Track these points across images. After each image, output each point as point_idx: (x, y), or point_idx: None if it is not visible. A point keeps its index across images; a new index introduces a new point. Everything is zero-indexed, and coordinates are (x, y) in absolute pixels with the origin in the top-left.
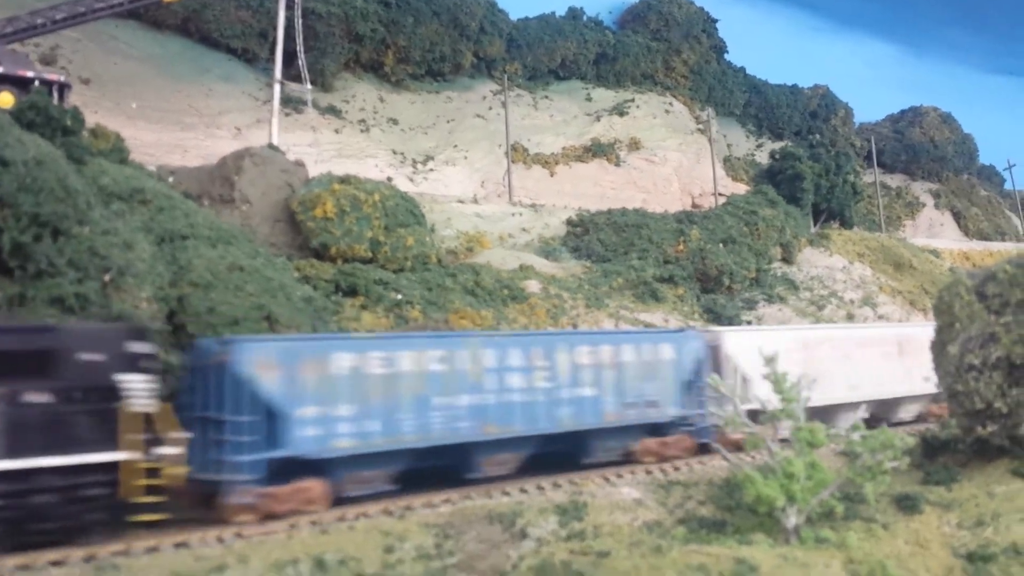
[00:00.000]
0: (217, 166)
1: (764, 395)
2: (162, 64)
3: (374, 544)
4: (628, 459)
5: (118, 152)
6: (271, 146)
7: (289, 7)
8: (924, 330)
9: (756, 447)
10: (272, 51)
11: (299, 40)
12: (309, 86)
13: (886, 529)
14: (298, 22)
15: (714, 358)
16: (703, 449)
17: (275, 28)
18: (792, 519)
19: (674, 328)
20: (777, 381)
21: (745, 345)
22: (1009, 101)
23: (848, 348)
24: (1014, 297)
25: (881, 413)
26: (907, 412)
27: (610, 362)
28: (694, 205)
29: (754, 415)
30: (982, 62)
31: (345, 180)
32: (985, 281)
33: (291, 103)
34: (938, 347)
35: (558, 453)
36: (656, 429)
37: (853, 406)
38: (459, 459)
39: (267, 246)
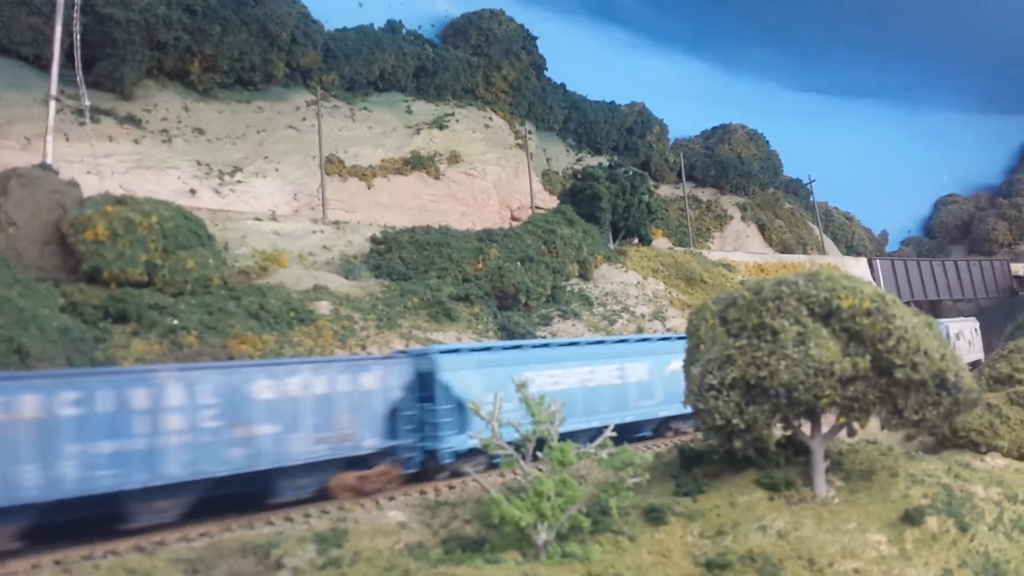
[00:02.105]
0: None
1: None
2: None
3: None
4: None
5: None
6: (43, 165)
7: (84, 13)
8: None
9: (510, 468)
10: (68, 58)
11: (77, 54)
12: (87, 102)
13: (632, 541)
14: (77, 37)
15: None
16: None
17: (66, 36)
18: (543, 535)
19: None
20: (528, 404)
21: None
22: (812, 116)
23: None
24: (750, 322)
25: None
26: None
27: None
28: (513, 218)
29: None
30: (787, 80)
31: (121, 201)
32: (728, 306)
33: (82, 112)
34: (687, 367)
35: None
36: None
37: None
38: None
39: (35, 270)
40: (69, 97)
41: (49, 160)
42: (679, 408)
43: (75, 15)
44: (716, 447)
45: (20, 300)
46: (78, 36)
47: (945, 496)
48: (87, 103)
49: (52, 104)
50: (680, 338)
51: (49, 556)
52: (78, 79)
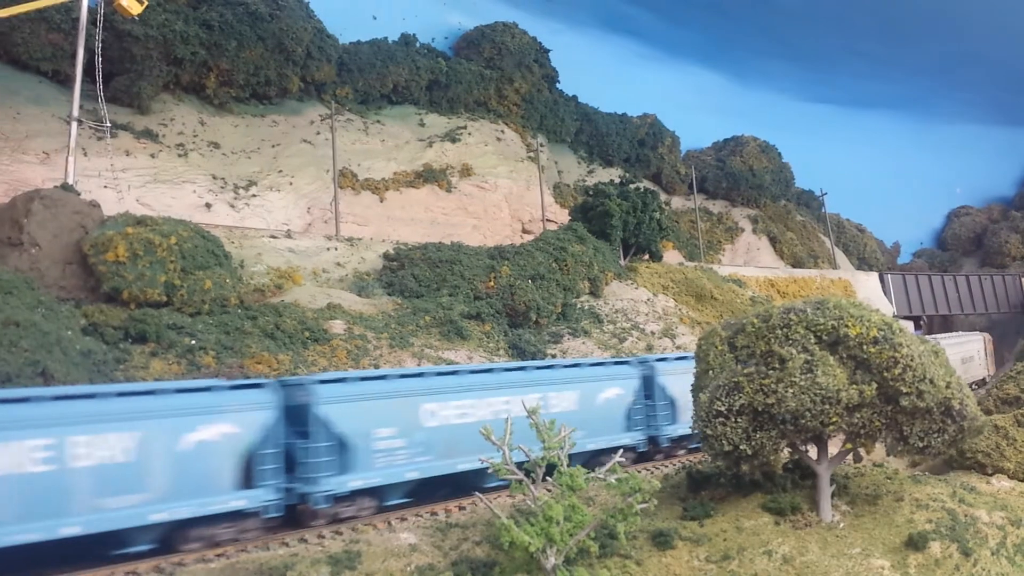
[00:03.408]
0: (6, 207)
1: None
2: None
3: None
4: None
5: None
6: (65, 186)
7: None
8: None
9: (520, 493)
10: (88, 73)
11: (98, 73)
12: (108, 124)
13: (639, 565)
14: (98, 57)
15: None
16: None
17: (88, 50)
18: (551, 560)
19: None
20: (539, 429)
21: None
22: (824, 128)
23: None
24: (759, 349)
25: None
26: None
27: None
28: (524, 231)
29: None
30: (800, 92)
31: (141, 222)
32: (736, 333)
33: (103, 128)
34: (695, 392)
35: None
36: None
37: None
38: None
39: (57, 290)
40: (88, 112)
41: (71, 180)
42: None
43: (97, 33)
44: (723, 470)
45: (44, 323)
46: (99, 55)
47: (949, 521)
48: (108, 124)
49: (74, 125)
50: (617, 363)
51: None
52: (99, 97)
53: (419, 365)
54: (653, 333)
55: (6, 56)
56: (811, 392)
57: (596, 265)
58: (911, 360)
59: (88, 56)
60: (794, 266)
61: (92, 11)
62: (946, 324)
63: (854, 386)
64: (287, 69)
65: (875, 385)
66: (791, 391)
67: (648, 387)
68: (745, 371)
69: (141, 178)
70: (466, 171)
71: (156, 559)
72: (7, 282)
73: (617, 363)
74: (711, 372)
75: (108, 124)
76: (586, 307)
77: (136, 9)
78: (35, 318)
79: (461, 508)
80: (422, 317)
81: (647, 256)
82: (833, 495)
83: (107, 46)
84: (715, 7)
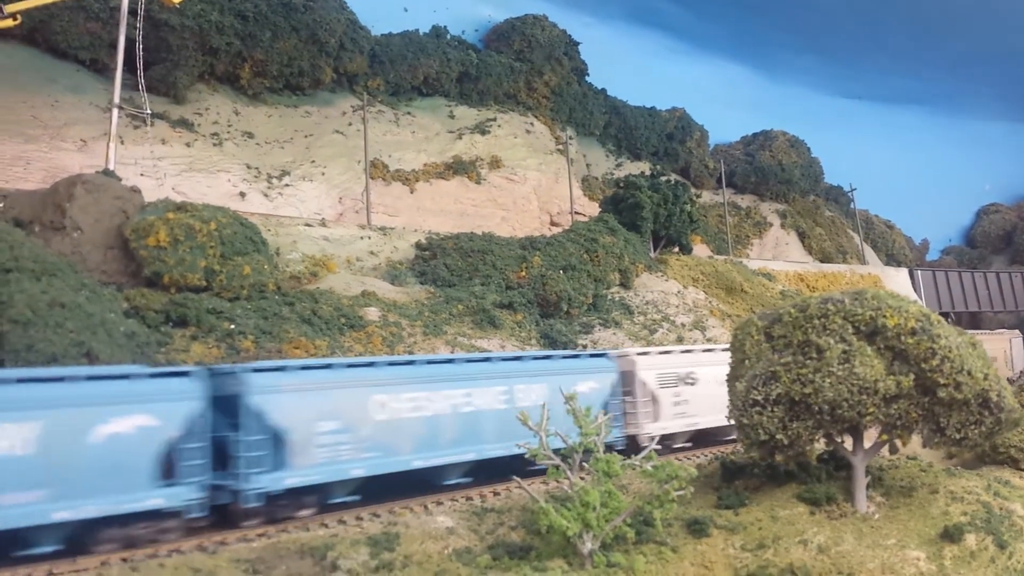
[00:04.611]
0: (49, 192)
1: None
2: (6, 74)
3: None
4: None
5: None
6: (106, 172)
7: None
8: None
9: (556, 479)
10: (126, 63)
11: (140, 65)
12: (148, 111)
13: (675, 552)
14: (139, 46)
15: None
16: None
17: (127, 39)
18: (588, 545)
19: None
20: (577, 416)
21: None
22: (852, 123)
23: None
24: (796, 339)
25: None
26: None
27: None
28: (552, 223)
29: None
30: (829, 87)
31: (181, 207)
32: (773, 322)
33: (139, 117)
34: (731, 382)
35: None
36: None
37: None
38: None
39: (99, 274)
40: (125, 101)
41: (111, 166)
42: None
43: (139, 22)
44: (757, 460)
45: (88, 305)
46: (140, 44)
47: (984, 513)
48: (148, 111)
49: (115, 112)
50: (593, 355)
51: (116, 555)
52: (140, 86)
53: (452, 352)
54: (683, 325)
55: (45, 44)
56: (848, 382)
57: (627, 257)
58: (949, 351)
59: (126, 45)
60: (822, 261)
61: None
62: (974, 321)
63: (891, 377)
64: (320, 60)
65: (912, 376)
66: (828, 381)
67: (628, 382)
68: (782, 360)
69: (176, 167)
70: (495, 163)
71: (198, 537)
72: (52, 264)
73: (593, 356)
74: (747, 361)
75: (148, 111)
76: (616, 298)
77: None
78: (79, 300)
79: (495, 494)
80: (455, 306)
81: (677, 248)
82: (868, 486)
83: (144, 35)
84: (744, 2)
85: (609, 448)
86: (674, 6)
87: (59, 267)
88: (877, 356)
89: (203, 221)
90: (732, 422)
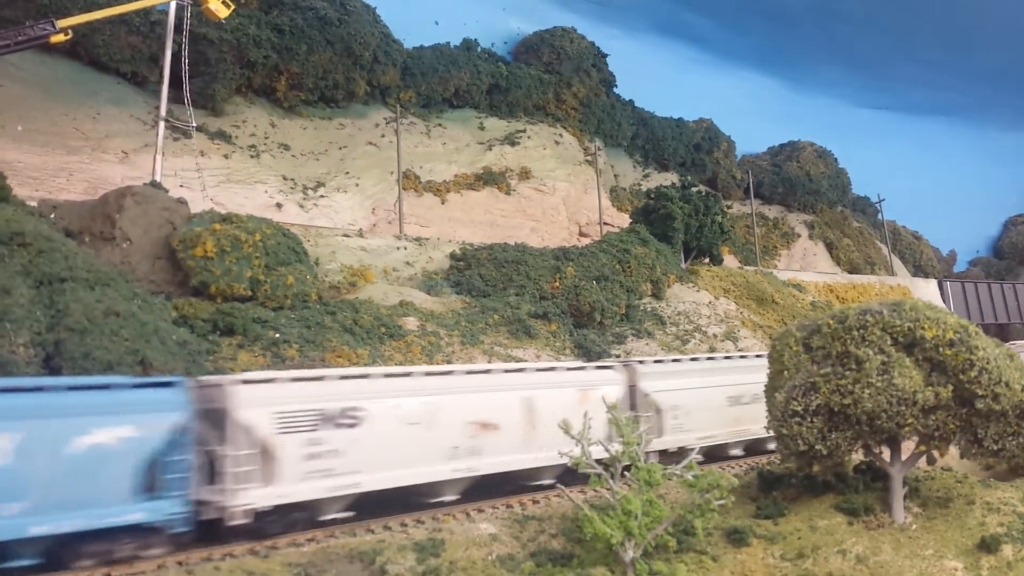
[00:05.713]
0: (99, 203)
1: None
2: (50, 87)
3: None
4: None
5: None
6: (154, 183)
7: (178, 33)
8: None
9: (598, 487)
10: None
11: (185, 79)
12: (193, 124)
13: (715, 561)
14: (185, 61)
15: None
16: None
17: (164, 52)
18: (630, 553)
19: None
20: (618, 426)
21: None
22: (879, 134)
23: None
24: (835, 350)
25: None
26: None
27: None
28: (581, 234)
29: None
30: (856, 98)
31: (227, 219)
32: (812, 333)
33: (180, 129)
34: (769, 393)
35: None
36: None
37: None
38: None
39: (147, 283)
40: (166, 114)
41: (158, 178)
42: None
43: (184, 37)
44: (795, 471)
45: (141, 314)
46: (185, 58)
47: (1021, 524)
48: (193, 124)
49: (161, 125)
50: (573, 368)
51: (172, 558)
52: (185, 99)
53: (489, 362)
54: (715, 336)
55: (87, 58)
56: (887, 393)
57: (658, 267)
58: (987, 363)
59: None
60: (850, 272)
61: (175, 15)
62: (1002, 333)
63: (930, 388)
64: (354, 73)
65: (951, 387)
66: (868, 392)
67: (632, 395)
68: (821, 371)
69: (215, 178)
70: (525, 174)
71: (250, 542)
72: (104, 274)
73: (572, 368)
74: (786, 372)
75: (193, 124)
76: (648, 308)
77: (224, 13)
78: (133, 309)
79: (535, 502)
80: (490, 316)
81: (707, 259)
82: (905, 497)
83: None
84: (771, 13)
85: None
86: (701, 18)
87: (111, 277)
88: (915, 367)
89: (248, 232)
90: (771, 432)
